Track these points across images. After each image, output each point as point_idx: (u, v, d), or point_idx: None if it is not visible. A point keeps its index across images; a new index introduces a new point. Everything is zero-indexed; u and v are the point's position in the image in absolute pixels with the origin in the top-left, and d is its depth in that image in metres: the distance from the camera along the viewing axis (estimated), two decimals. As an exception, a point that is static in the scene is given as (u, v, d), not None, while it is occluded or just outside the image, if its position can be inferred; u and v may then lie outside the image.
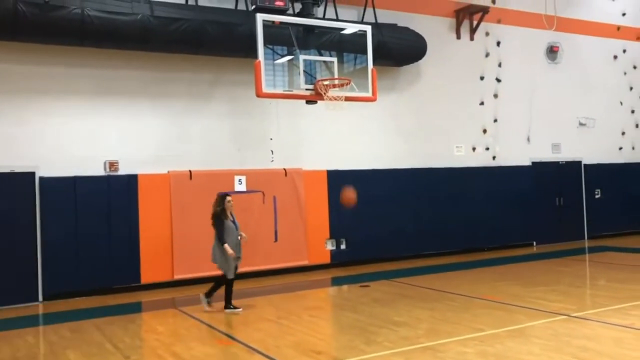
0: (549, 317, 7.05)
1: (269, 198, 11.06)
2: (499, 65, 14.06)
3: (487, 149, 13.88)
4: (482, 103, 13.83)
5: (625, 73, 16.05)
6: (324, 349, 6.12)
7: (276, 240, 11.06)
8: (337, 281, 10.81)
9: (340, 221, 11.74)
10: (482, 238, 13.43)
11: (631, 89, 16.15)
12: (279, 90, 8.71)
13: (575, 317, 7.00)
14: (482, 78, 13.85)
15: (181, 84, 10.71)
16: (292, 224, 11.27)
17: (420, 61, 12.64)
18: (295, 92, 8.64)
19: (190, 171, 10.52)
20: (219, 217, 8.07)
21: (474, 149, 13.70)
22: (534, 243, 14.31)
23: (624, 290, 8.57)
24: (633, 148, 16.21)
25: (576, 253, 13.19)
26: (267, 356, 5.92)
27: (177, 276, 10.30)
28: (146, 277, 10.13)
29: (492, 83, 13.98)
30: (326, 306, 8.67)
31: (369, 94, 8.99)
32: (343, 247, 11.93)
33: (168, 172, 10.41)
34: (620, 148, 15.97)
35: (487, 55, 13.94)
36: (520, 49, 14.38)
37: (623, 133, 16.01)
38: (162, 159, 10.41)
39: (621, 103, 15.97)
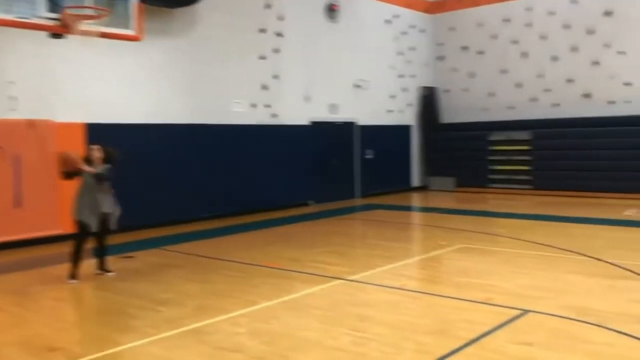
0: (327, 282, 6.69)
1: (9, 154, 9.08)
2: (280, 18, 13.49)
3: (268, 106, 13.32)
4: (262, 57, 13.17)
5: (396, 38, 16.75)
6: (62, 344, 4.86)
7: (19, 205, 9.19)
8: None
9: (103, 182, 10.18)
10: (259, 199, 12.95)
11: (401, 54, 16.95)
12: (12, 17, 6.80)
13: (351, 280, 6.75)
14: (263, 30, 13.14)
15: None
16: (41, 187, 9.43)
17: (196, 4, 11.41)
18: (34, 20, 6.84)
19: None
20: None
21: (253, 105, 13.03)
22: (311, 202, 14.31)
23: (395, 249, 8.70)
24: (401, 111, 17.13)
25: (349, 212, 13.46)
26: (-20, 361, 4.52)
27: None
28: None
29: (273, 37, 13.36)
30: (77, 285, 7.21)
31: (132, 32, 7.55)
32: (106, 211, 10.39)
33: None
34: (390, 110, 16.75)
35: (268, 6, 13.24)
36: (302, 4, 13.97)
37: (393, 96, 16.79)
38: None
39: (392, 67, 16.68)
